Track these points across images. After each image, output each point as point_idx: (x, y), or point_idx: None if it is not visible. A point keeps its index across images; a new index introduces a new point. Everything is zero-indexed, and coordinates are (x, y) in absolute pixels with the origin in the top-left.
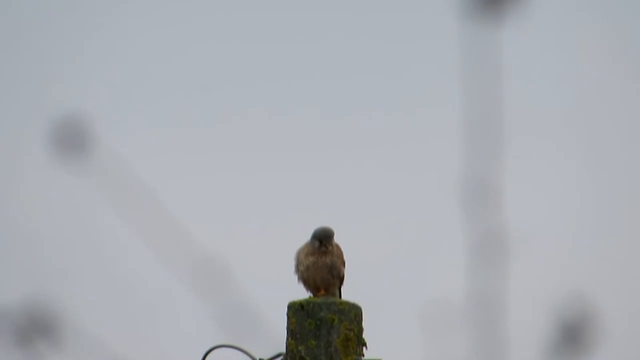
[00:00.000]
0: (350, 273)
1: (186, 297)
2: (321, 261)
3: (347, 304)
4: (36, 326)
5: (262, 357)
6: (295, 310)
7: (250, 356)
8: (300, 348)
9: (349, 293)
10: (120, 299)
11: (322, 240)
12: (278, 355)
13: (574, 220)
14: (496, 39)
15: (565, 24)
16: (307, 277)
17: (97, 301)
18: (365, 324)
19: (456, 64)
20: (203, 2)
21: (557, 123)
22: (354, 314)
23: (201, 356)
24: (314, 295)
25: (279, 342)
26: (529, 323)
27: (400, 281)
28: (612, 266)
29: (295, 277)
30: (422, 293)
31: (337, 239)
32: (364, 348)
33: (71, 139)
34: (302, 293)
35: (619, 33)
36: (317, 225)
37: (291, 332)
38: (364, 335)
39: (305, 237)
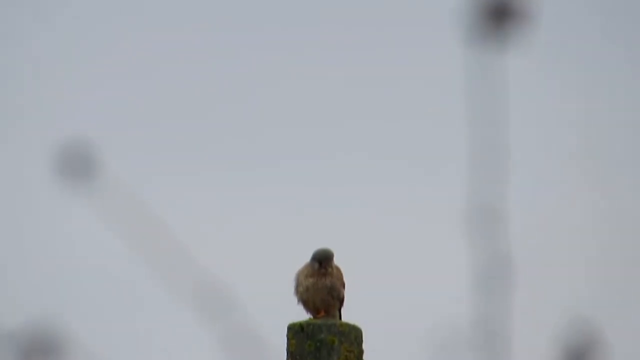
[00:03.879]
0: (350, 295)
1: (188, 320)
2: (321, 282)
3: (348, 325)
4: (39, 348)
5: None
6: (295, 332)
7: None
8: None
9: (349, 315)
10: (123, 322)
11: (322, 261)
12: None
13: (579, 245)
14: (501, 65)
15: (570, 48)
16: (306, 298)
17: (100, 323)
18: (365, 346)
19: (461, 90)
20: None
21: (562, 146)
22: (354, 335)
23: None
24: (314, 316)
25: None
26: (534, 349)
27: (403, 305)
28: (618, 291)
29: (295, 299)
30: (424, 317)
31: (338, 261)
32: None
33: (76, 165)
34: (302, 314)
35: (623, 55)
36: (317, 247)
37: (291, 354)
38: (364, 358)
39: (305, 258)
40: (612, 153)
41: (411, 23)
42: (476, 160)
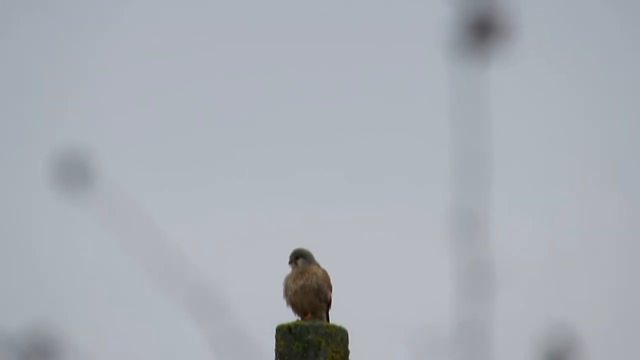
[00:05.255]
0: (337, 297)
1: (181, 321)
2: (308, 285)
3: (334, 327)
4: (37, 351)
5: None
6: (284, 333)
7: None
8: None
9: (336, 317)
10: (119, 324)
11: (290, 257)
12: None
13: (558, 250)
14: (484, 78)
15: (552, 62)
16: (295, 301)
17: (96, 325)
18: (351, 347)
19: (445, 102)
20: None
21: (542, 153)
22: (340, 337)
23: None
24: (302, 318)
25: None
26: (514, 352)
27: (388, 307)
28: (598, 296)
29: (284, 302)
30: (408, 320)
31: (325, 265)
32: None
33: (74, 173)
34: (290, 316)
35: (606, 66)
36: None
37: (279, 355)
38: (350, 358)
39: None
40: (595, 163)
41: (395, 38)
42: (460, 169)
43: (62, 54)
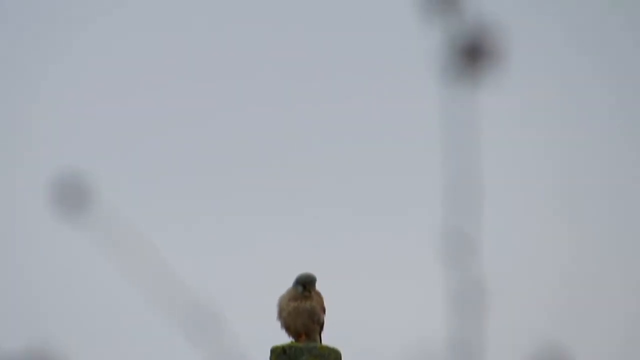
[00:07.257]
0: (330, 319)
1: (178, 342)
2: (302, 307)
3: (327, 348)
4: None
5: None
6: (278, 355)
7: None
8: None
9: (329, 338)
10: (114, 344)
11: (306, 284)
12: None
13: (549, 269)
14: (474, 100)
15: (542, 86)
16: (289, 323)
17: (93, 346)
18: None
19: (435, 124)
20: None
21: (532, 175)
22: (333, 357)
23: None
24: (296, 340)
25: None
26: None
27: (380, 328)
28: (586, 313)
29: (278, 324)
30: (400, 340)
31: (319, 286)
32: None
33: (71, 194)
34: (284, 338)
35: (596, 90)
36: (300, 272)
37: None
38: None
39: (287, 285)
40: (584, 187)
41: (386, 64)
42: (451, 192)
43: (63, 73)
